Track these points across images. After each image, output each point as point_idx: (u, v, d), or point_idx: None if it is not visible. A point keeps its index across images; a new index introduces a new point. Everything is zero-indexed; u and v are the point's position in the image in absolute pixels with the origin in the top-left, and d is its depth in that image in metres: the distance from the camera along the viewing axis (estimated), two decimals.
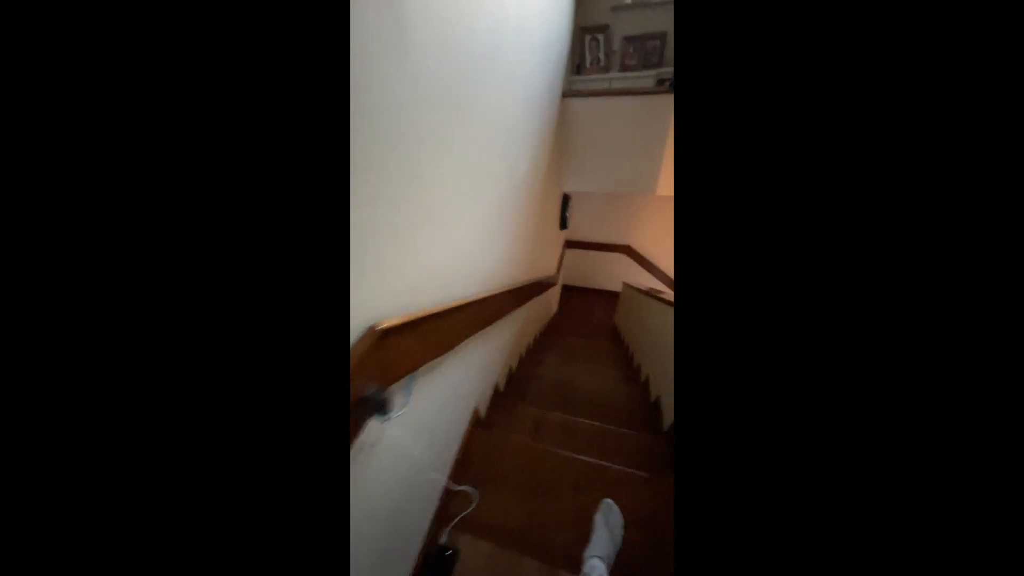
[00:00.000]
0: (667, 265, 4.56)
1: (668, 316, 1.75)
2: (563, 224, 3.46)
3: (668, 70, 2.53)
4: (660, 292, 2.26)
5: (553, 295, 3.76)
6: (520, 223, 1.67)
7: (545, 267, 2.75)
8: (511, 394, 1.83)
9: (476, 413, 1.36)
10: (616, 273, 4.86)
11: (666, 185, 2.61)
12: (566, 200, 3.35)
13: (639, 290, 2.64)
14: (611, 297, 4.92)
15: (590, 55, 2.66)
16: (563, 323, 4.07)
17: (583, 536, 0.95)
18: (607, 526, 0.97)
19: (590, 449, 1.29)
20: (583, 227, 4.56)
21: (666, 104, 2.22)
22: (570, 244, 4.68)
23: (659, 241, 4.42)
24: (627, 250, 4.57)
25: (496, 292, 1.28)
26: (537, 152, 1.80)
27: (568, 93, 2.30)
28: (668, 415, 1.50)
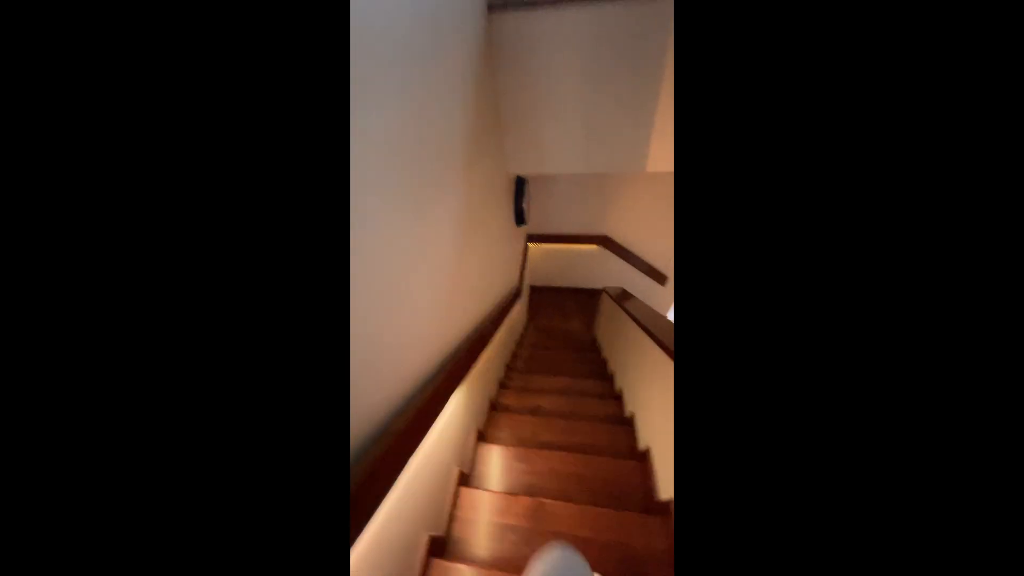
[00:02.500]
0: (650, 253, 3.78)
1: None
2: (520, 218, 2.54)
3: None
4: (651, 328, 1.43)
5: (518, 313, 2.88)
6: (434, 261, 0.74)
7: (499, 287, 1.85)
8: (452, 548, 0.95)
9: None
10: (593, 267, 4.04)
11: (660, 156, 1.74)
12: (521, 186, 2.41)
13: (626, 312, 1.81)
14: (588, 297, 4.13)
15: None
16: (533, 358, 3.21)
17: None
18: None
19: None
20: (549, 217, 3.64)
21: (661, 17, 1.30)
22: (534, 238, 3.77)
23: (641, 226, 3.59)
24: (604, 240, 3.73)
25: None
26: (432, 124, 0.84)
27: (497, 4, 1.33)
28: None
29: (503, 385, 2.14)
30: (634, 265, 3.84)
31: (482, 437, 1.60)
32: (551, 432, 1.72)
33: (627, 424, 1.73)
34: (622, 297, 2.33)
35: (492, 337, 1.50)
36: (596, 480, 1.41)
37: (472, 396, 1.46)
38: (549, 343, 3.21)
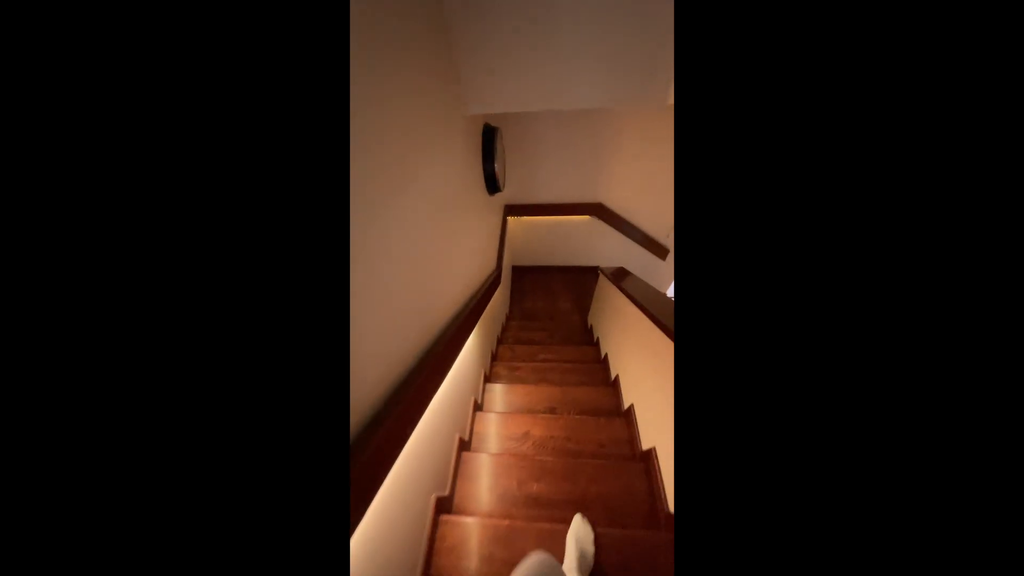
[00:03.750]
0: (652, 224, 3.27)
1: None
2: (493, 185, 1.96)
3: None
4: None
5: (499, 303, 2.35)
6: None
7: (467, 282, 1.31)
8: None
9: None
10: (586, 241, 3.52)
11: None
12: (490, 140, 1.81)
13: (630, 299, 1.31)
14: (580, 275, 3.64)
15: None
16: (517, 358, 2.72)
17: None
18: (576, 542, 0.91)
19: None
20: (533, 182, 3.03)
21: None
22: (515, 209, 3.18)
23: (643, 191, 3.04)
24: (598, 209, 3.18)
25: None
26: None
27: None
28: None
29: (479, 407, 1.66)
30: (631, 237, 3.33)
31: (445, 508, 1.12)
32: (544, 478, 1.26)
33: (644, 461, 1.29)
34: (619, 277, 1.84)
35: (452, 362, 0.99)
36: (609, 565, 0.97)
37: (429, 450, 0.96)
38: (536, 338, 2.73)
